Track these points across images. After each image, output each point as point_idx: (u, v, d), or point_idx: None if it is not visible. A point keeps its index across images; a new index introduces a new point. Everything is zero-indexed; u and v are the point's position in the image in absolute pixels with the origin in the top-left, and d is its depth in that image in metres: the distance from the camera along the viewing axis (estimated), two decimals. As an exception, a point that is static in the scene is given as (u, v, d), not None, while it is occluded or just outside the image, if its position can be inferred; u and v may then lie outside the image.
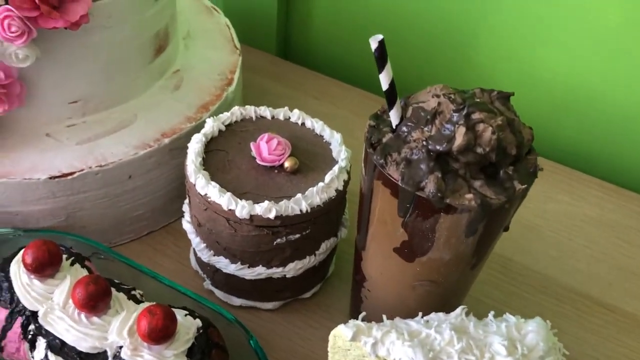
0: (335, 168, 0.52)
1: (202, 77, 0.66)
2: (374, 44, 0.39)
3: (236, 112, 0.58)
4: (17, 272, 0.46)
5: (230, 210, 0.49)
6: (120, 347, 0.44)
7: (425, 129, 0.40)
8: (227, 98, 0.65)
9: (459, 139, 0.39)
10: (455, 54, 0.82)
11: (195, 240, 0.55)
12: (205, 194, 0.50)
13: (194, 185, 0.51)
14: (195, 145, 0.53)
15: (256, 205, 0.49)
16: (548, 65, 0.76)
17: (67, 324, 0.44)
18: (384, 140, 0.42)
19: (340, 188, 0.52)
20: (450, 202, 0.39)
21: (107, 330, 0.44)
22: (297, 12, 0.90)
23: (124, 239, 0.62)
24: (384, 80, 0.40)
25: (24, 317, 0.46)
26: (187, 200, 0.58)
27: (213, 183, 0.50)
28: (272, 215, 0.49)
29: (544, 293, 0.62)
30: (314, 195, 0.50)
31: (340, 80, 0.88)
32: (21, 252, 0.48)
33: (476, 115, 0.39)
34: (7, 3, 0.48)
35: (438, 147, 0.39)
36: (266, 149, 0.52)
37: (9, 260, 0.49)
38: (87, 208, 0.57)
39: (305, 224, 0.51)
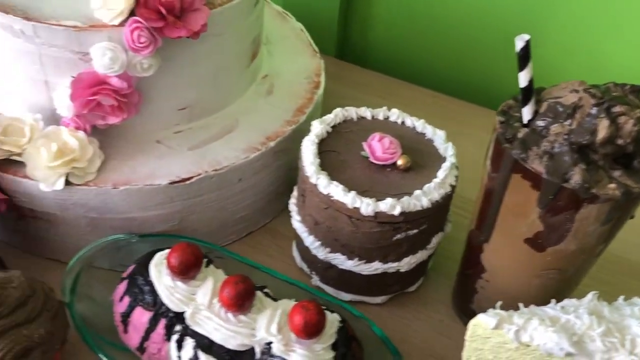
0: (447, 164, 0.54)
1: (291, 82, 0.68)
2: (520, 43, 0.41)
3: (339, 114, 0.59)
4: (159, 275, 0.48)
5: (354, 208, 0.51)
6: (268, 344, 0.46)
7: (566, 123, 0.42)
8: (317, 101, 0.67)
9: (602, 132, 0.41)
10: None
11: (308, 239, 0.57)
12: (328, 194, 0.52)
13: (316, 185, 0.52)
14: (310, 147, 0.55)
15: (380, 203, 0.51)
16: (616, 60, 0.78)
17: (215, 323, 0.46)
18: (520, 135, 0.44)
19: (454, 183, 0.54)
20: (595, 192, 0.41)
21: (254, 328, 0.46)
22: (357, 13, 0.92)
23: (227, 240, 0.63)
24: (524, 78, 0.42)
25: (167, 318, 0.48)
26: (293, 200, 0.60)
27: (335, 182, 0.52)
28: (396, 212, 0.51)
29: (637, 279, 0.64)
30: (431, 191, 0.52)
31: (401, 79, 0.90)
32: (157, 255, 0.50)
33: (617, 109, 0.41)
34: (132, 14, 0.50)
35: (581, 140, 0.41)
36: (379, 147, 0.54)
37: (143, 265, 0.50)
38: (199, 211, 0.59)
39: (424, 219, 0.53)
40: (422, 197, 0.52)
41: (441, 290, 0.62)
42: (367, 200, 0.51)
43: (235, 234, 0.64)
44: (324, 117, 0.59)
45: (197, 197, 0.57)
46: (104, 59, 0.50)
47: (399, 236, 0.53)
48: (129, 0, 0.49)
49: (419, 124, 0.59)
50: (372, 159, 0.55)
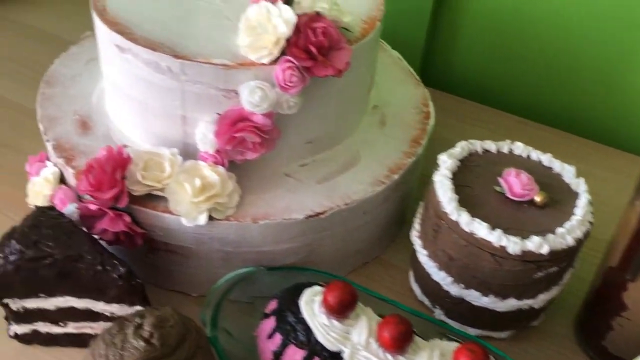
0: (583, 200, 0.54)
1: (400, 112, 0.68)
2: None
3: (465, 147, 0.59)
4: (311, 312, 0.48)
5: (500, 246, 0.51)
6: (429, 384, 0.46)
7: None
8: (429, 132, 0.67)
9: None
10: (610, 77, 0.84)
11: (439, 274, 0.57)
12: (471, 231, 0.52)
13: (457, 222, 0.53)
14: (445, 182, 0.55)
15: (527, 242, 0.51)
16: None
17: (375, 363, 0.46)
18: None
19: (592, 220, 0.54)
20: None
21: (413, 368, 0.46)
22: (442, 40, 0.92)
23: (344, 272, 0.63)
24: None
25: (322, 357, 0.48)
26: (416, 233, 0.60)
27: (478, 220, 0.52)
28: (544, 251, 0.51)
29: None
30: (574, 229, 0.52)
31: (485, 105, 0.90)
32: (307, 292, 0.50)
33: None
34: (282, 53, 0.51)
35: None
36: (518, 184, 0.54)
37: (290, 301, 0.50)
38: (326, 244, 0.59)
39: (566, 256, 0.53)
40: (567, 235, 0.52)
41: (562, 323, 0.62)
42: (513, 239, 0.51)
43: (351, 265, 0.64)
44: (451, 151, 0.59)
45: (326, 230, 0.58)
46: (253, 97, 0.50)
47: (539, 274, 0.53)
48: (280, 39, 0.50)
49: (545, 158, 0.59)
50: (508, 195, 0.55)
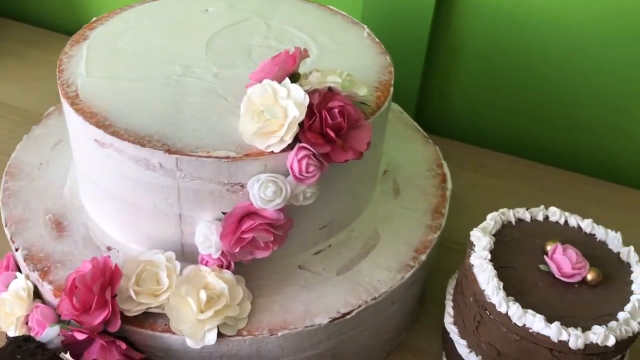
0: (639, 273, 0.49)
1: (413, 176, 0.62)
2: None
3: (497, 219, 0.53)
4: None
5: (560, 341, 0.45)
6: None
7: None
8: (449, 197, 0.61)
9: None
10: (607, 127, 0.80)
11: (485, 369, 0.50)
12: (524, 325, 0.46)
13: (507, 315, 0.46)
14: (486, 266, 0.48)
15: (589, 334, 0.44)
16: None
17: None
18: None
19: (652, 296, 0.48)
20: None
21: None
22: (435, 85, 0.87)
23: (370, 366, 0.56)
24: None
25: None
26: (449, 319, 0.53)
27: (531, 311, 0.46)
28: (610, 343, 0.44)
29: None
30: (637, 312, 0.46)
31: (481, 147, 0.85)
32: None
33: None
34: (296, 140, 0.43)
35: None
36: (567, 262, 0.48)
37: None
38: (351, 345, 0.51)
39: (631, 342, 0.47)
40: (631, 321, 0.45)
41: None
42: (574, 332, 0.44)
43: (377, 358, 0.57)
44: (484, 225, 0.52)
45: (351, 330, 0.50)
46: (265, 192, 0.43)
47: (602, 365, 0.47)
48: (292, 124, 0.42)
49: (586, 224, 0.53)
50: (557, 275, 0.49)
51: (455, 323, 0.53)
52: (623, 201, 0.76)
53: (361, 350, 0.53)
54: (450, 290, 0.56)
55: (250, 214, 0.45)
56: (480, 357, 0.50)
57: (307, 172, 0.43)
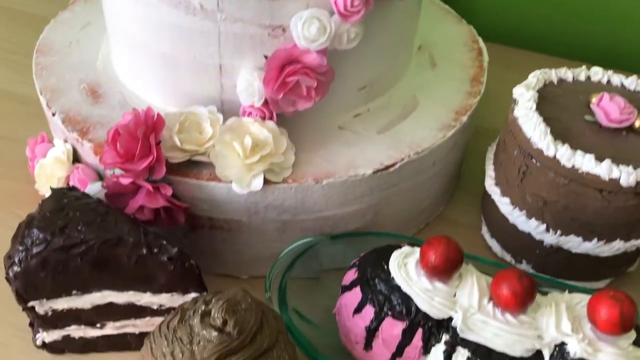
0: (687, 121, 0.48)
1: (450, 51, 0.60)
2: None
3: (539, 77, 0.52)
4: (407, 278, 0.40)
5: (611, 179, 0.44)
6: (558, 345, 0.39)
7: None
8: (486, 68, 0.59)
9: None
10: None
11: (529, 223, 0.49)
12: (573, 166, 0.45)
13: (555, 158, 0.45)
14: (532, 115, 0.48)
15: (640, 170, 0.44)
16: None
17: (494, 327, 0.38)
18: None
19: (701, 142, 0.47)
20: None
21: (537, 328, 0.39)
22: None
23: (409, 233, 0.56)
24: None
25: (425, 327, 0.40)
26: (491, 182, 0.53)
27: (580, 151, 0.45)
28: (662, 179, 0.44)
29: None
30: (687, 153, 0.46)
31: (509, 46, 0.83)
32: (396, 255, 0.42)
33: None
34: (338, -25, 0.42)
35: None
36: (615, 109, 0.47)
37: (376, 267, 0.42)
38: (393, 203, 0.51)
39: (680, 185, 0.46)
40: (683, 160, 0.45)
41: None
42: (626, 169, 0.44)
43: (416, 227, 0.56)
44: (527, 82, 0.51)
45: (395, 185, 0.50)
46: (308, 30, 0.42)
47: (652, 208, 0.46)
48: (336, -44, 0.41)
49: (630, 81, 0.52)
50: (604, 123, 0.48)
51: (497, 184, 0.53)
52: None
53: (401, 216, 0.53)
54: (490, 156, 0.55)
55: (293, 60, 0.44)
56: (524, 211, 0.50)
57: (352, 6, 0.42)
